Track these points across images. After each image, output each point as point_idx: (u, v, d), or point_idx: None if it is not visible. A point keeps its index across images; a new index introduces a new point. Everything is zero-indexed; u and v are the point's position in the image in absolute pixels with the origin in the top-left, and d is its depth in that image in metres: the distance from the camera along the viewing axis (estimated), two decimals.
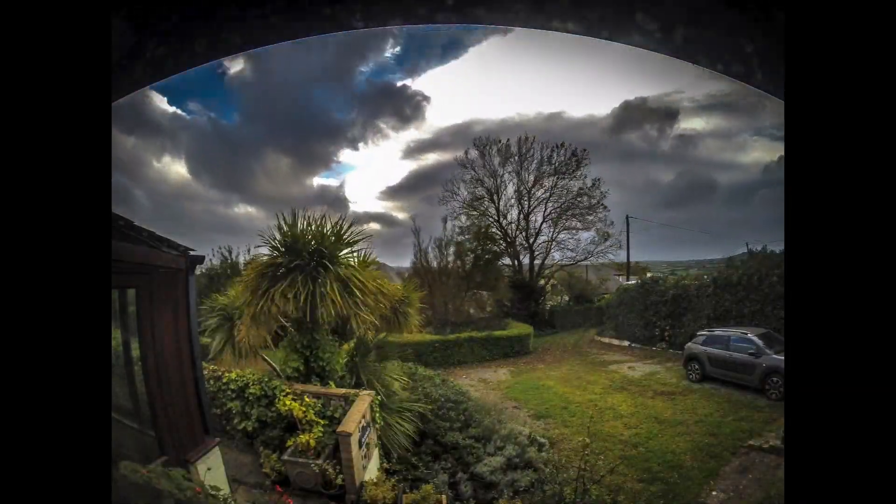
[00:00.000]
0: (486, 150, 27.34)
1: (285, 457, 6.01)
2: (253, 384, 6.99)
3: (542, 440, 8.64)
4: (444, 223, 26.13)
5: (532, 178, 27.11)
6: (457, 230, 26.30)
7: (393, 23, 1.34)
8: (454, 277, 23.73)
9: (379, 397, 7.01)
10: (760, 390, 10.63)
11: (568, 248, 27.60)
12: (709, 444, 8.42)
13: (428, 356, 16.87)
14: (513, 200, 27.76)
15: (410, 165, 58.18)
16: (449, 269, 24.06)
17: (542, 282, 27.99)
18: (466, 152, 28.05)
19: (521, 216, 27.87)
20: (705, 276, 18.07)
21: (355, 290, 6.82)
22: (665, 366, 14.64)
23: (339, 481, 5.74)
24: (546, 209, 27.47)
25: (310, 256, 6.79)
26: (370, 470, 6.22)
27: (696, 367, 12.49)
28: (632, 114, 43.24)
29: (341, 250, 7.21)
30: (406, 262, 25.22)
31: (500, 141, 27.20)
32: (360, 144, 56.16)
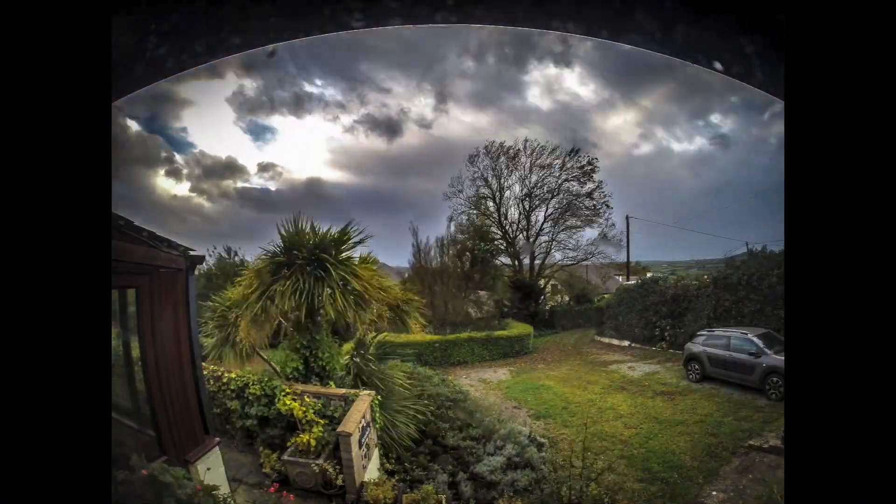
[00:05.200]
0: (494, 152, 27.51)
1: (285, 457, 6.02)
2: (253, 384, 6.99)
3: (542, 440, 8.64)
4: (449, 222, 26.38)
5: (534, 178, 27.26)
6: (458, 228, 26.46)
7: (393, 23, 1.33)
8: (454, 277, 23.73)
9: (379, 397, 7.01)
10: (760, 390, 10.63)
11: (568, 248, 27.70)
12: (709, 444, 8.42)
13: (428, 356, 16.86)
14: (515, 200, 27.91)
15: None
16: (449, 268, 24.08)
17: (542, 282, 28.00)
18: (478, 151, 28.19)
19: (522, 216, 27.96)
20: (705, 276, 18.07)
21: (355, 290, 6.83)
22: (665, 366, 14.63)
23: (339, 481, 5.74)
24: (547, 209, 27.58)
25: (310, 256, 6.80)
26: (370, 470, 6.22)
27: (696, 367, 12.49)
28: None
29: (341, 251, 7.23)
30: (405, 262, 25.29)
31: (510, 148, 27.38)
32: None
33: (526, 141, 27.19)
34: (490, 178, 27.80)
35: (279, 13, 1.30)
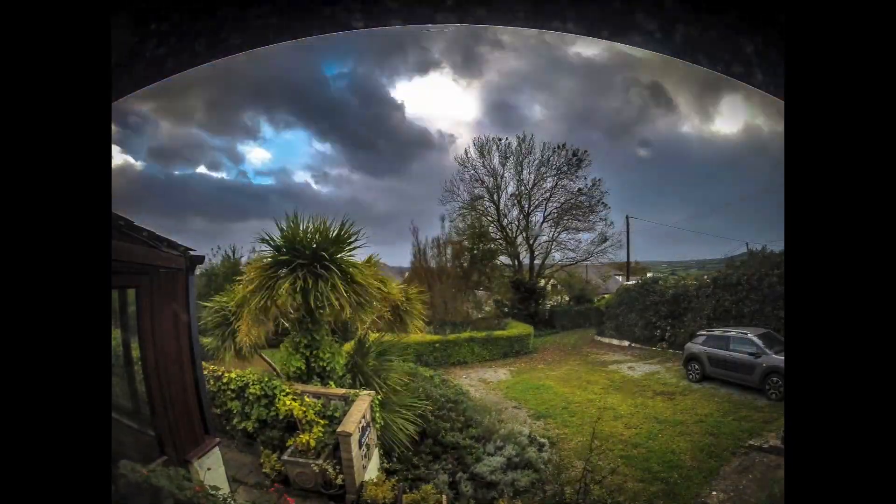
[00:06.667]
0: (486, 149, 27.33)
1: (285, 457, 6.01)
2: (253, 384, 6.99)
3: (542, 440, 8.64)
4: (441, 221, 26.16)
5: (532, 177, 27.14)
6: (455, 230, 26.36)
7: (393, 23, 1.34)
8: (454, 277, 23.71)
9: (379, 397, 7.01)
10: (760, 390, 10.62)
11: (568, 249, 27.64)
12: (709, 444, 8.41)
13: (428, 356, 16.85)
14: (513, 200, 27.77)
15: None
16: (448, 268, 24.06)
17: (542, 282, 27.95)
18: (466, 151, 28.05)
19: (522, 216, 27.88)
20: (705, 276, 18.07)
21: (356, 290, 6.84)
22: (665, 366, 14.63)
23: (339, 481, 5.73)
24: (546, 209, 27.50)
25: (311, 255, 6.80)
26: (370, 470, 6.22)
27: (696, 367, 12.49)
28: None
29: (342, 250, 7.23)
30: (405, 262, 25.27)
31: (499, 140, 27.19)
32: None
33: (519, 138, 27.10)
34: (485, 178, 27.69)
35: (279, 13, 1.30)
